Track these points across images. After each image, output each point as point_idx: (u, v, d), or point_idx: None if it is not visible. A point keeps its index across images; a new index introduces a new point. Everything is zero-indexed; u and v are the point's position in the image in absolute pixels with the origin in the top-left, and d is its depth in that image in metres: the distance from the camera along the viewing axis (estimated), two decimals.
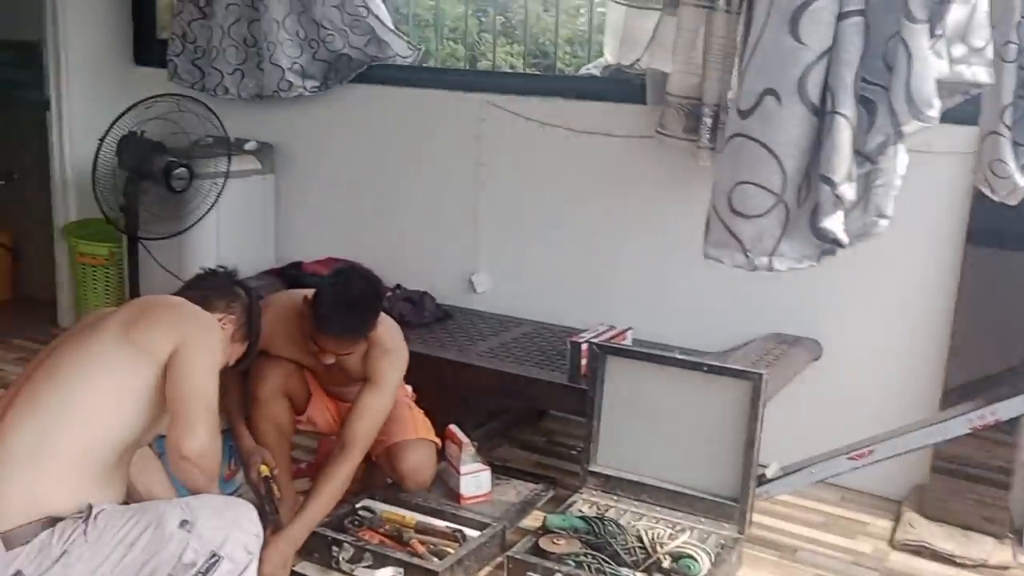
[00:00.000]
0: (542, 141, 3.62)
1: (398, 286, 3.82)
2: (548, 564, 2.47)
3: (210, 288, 2.32)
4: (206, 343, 2.08)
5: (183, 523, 1.89)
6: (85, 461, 1.90)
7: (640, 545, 2.57)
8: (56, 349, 2.03)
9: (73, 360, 1.97)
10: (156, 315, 2.06)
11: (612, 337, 3.12)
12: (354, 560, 2.51)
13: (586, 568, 2.47)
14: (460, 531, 2.65)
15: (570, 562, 2.50)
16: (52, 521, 1.84)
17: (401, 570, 2.47)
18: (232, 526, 1.94)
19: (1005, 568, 2.72)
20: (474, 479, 2.85)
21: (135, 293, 3.66)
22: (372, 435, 2.60)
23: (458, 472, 2.84)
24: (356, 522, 2.68)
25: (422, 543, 2.59)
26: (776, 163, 2.35)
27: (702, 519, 2.72)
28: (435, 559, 2.51)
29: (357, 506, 2.76)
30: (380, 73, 3.95)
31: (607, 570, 2.47)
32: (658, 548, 2.53)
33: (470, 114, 3.75)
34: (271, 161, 4.16)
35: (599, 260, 3.60)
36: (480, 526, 2.71)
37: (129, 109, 3.45)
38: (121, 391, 1.96)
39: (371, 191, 4.05)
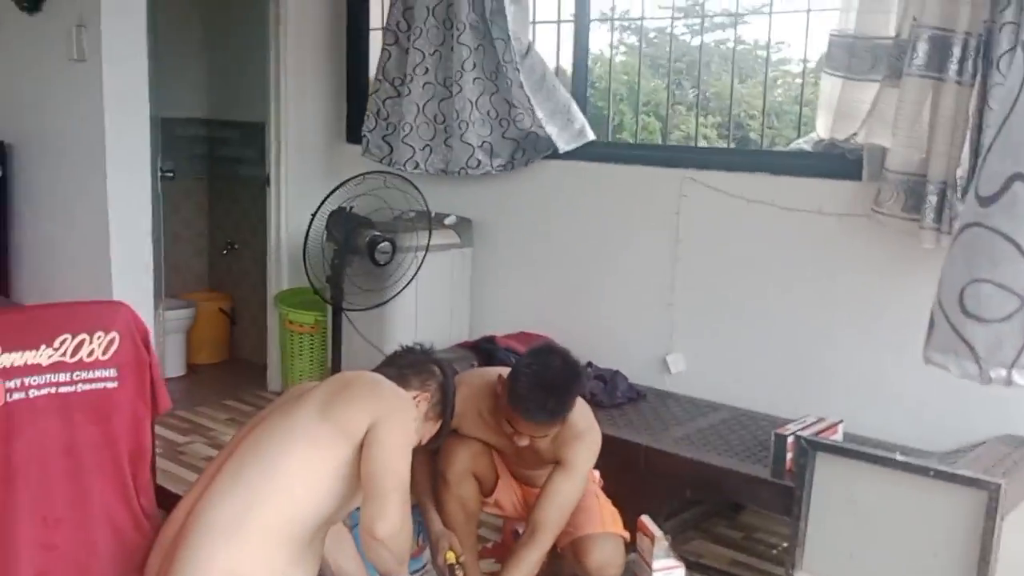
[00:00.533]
0: (746, 218, 3.47)
1: (589, 363, 3.73)
2: None
3: (407, 365, 2.32)
4: (401, 422, 2.07)
5: None
6: (284, 537, 1.91)
7: None
8: (261, 423, 2.07)
9: (275, 435, 1.99)
10: (354, 393, 2.07)
11: (821, 431, 2.90)
12: None
13: None
14: None
15: None
16: None
17: None
18: None
19: None
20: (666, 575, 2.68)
21: (337, 361, 3.76)
22: (562, 522, 2.50)
23: (650, 567, 2.67)
24: None
25: None
26: (1023, 260, 2.09)
27: None
28: None
29: None
30: (578, 149, 3.94)
31: None
32: None
33: (669, 190, 3.66)
34: (469, 235, 4.21)
35: (805, 345, 3.38)
36: None
37: (340, 186, 3.58)
38: (320, 468, 1.97)
39: (565, 266, 4.01)
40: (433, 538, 2.57)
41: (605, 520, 2.67)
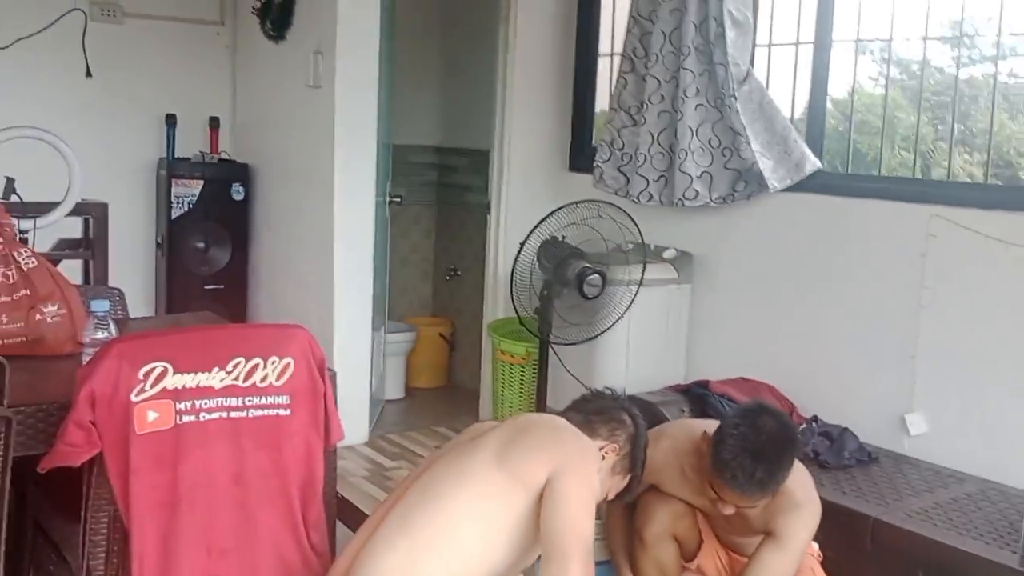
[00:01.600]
0: (1005, 264, 3.01)
1: (815, 418, 3.38)
2: None
3: (595, 412, 2.15)
4: (584, 474, 1.90)
5: None
6: None
7: None
8: (433, 464, 1.97)
9: (447, 481, 1.88)
10: (533, 439, 1.92)
11: None
12: None
13: None
14: None
15: None
16: None
17: None
18: None
19: None
20: None
21: (543, 395, 3.64)
22: None
23: None
24: None
25: None
26: None
27: None
28: None
29: None
30: (811, 181, 3.60)
31: None
32: None
33: (915, 228, 3.25)
34: (688, 270, 3.97)
35: None
36: None
37: (551, 214, 3.48)
38: (492, 518, 1.84)
39: (792, 308, 3.67)
40: None
41: None
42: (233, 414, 1.85)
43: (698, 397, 3.43)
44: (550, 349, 3.62)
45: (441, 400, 5.12)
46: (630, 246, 3.73)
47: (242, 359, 1.84)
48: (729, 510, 2.20)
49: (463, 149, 5.30)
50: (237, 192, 4.53)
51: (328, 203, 4.08)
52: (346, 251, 4.11)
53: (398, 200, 4.83)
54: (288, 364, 1.88)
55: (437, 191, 5.52)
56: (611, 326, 3.59)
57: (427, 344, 5.27)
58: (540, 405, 3.63)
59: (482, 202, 5.01)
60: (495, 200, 4.63)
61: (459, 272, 5.37)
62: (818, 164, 3.62)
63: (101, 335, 2.04)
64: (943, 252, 3.19)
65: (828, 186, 3.59)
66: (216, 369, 1.82)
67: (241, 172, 4.55)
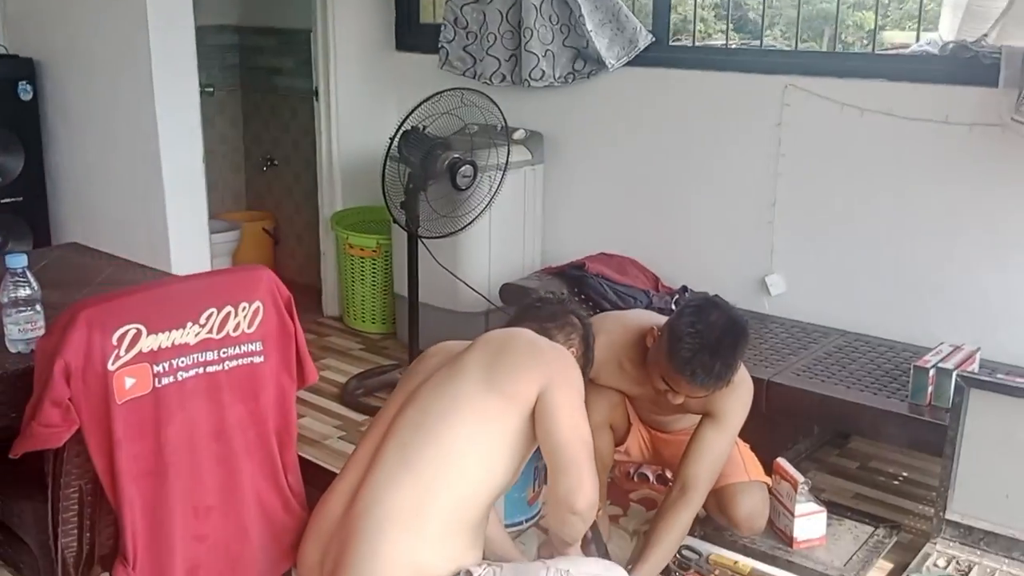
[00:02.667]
0: (858, 129, 3.22)
1: (684, 288, 3.54)
2: None
3: (548, 318, 2.13)
4: (570, 382, 1.90)
5: None
6: (461, 521, 1.75)
7: None
8: (415, 398, 1.87)
9: (440, 412, 1.81)
10: (516, 358, 1.87)
11: (962, 362, 2.72)
12: None
13: None
14: None
15: None
16: None
17: None
18: None
19: None
20: (809, 521, 2.54)
21: (414, 289, 3.55)
22: (715, 477, 2.35)
23: (791, 514, 2.53)
24: (681, 564, 2.44)
25: None
26: None
27: None
28: None
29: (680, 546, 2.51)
30: (658, 55, 3.64)
31: None
32: None
33: (770, 99, 3.39)
34: (540, 151, 3.96)
35: (922, 264, 3.18)
36: None
37: (419, 105, 3.30)
38: (493, 443, 1.80)
39: (650, 182, 3.76)
40: None
41: (749, 468, 2.52)
42: (210, 368, 1.66)
43: (576, 279, 3.47)
44: (419, 243, 3.51)
45: None
46: (475, 127, 3.62)
47: (214, 310, 1.64)
48: (679, 400, 2.27)
49: (269, 28, 4.89)
50: (24, 91, 3.95)
51: (147, 98, 3.64)
52: (174, 151, 3.71)
53: (210, 90, 4.41)
54: (258, 308, 1.70)
55: (241, 76, 5.08)
56: (481, 213, 3.52)
57: (251, 240, 4.96)
58: (412, 298, 3.54)
59: (296, 86, 4.70)
60: (323, 85, 4.33)
61: (276, 162, 5.05)
62: (651, 38, 3.65)
63: (23, 293, 1.74)
64: (797, 121, 3.35)
65: (679, 59, 3.64)
66: (190, 324, 1.61)
67: (26, 68, 3.95)
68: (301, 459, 1.99)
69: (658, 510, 2.38)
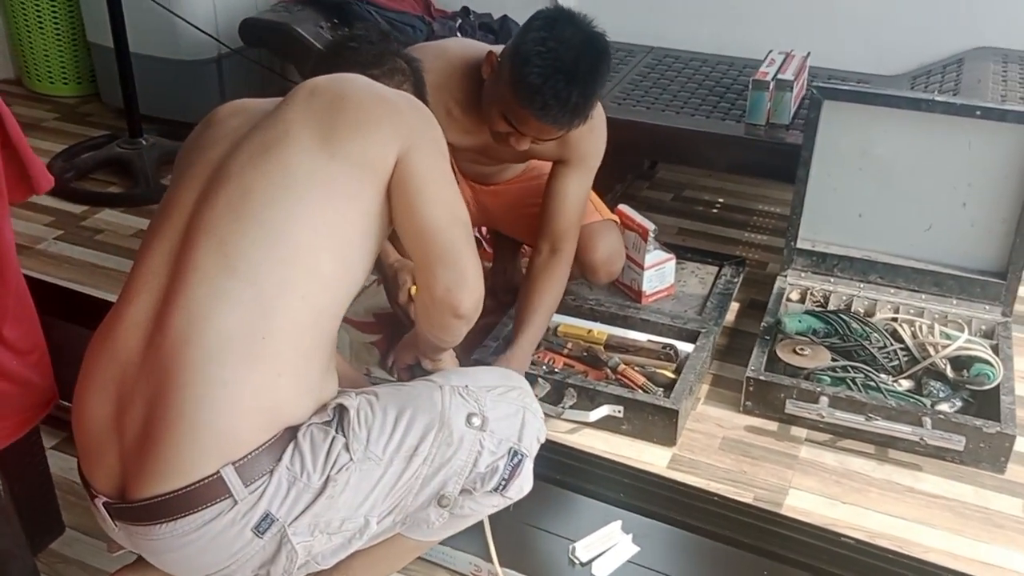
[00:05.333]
0: None
1: (465, 10, 2.95)
2: (805, 385, 1.92)
3: (373, 63, 1.51)
4: (436, 142, 1.35)
5: (470, 418, 1.26)
6: (316, 339, 1.22)
7: (903, 347, 2.04)
8: (221, 175, 1.22)
9: (267, 190, 1.20)
10: (360, 112, 1.28)
11: (799, 71, 2.42)
12: (552, 399, 1.92)
13: (855, 385, 1.94)
14: (672, 347, 2.06)
15: (826, 377, 1.96)
16: (292, 433, 1.19)
17: (620, 408, 1.90)
18: (523, 410, 1.33)
19: None
20: (658, 272, 2.23)
21: (121, 34, 2.70)
22: (579, 228, 1.93)
23: (641, 266, 2.20)
24: None
25: (629, 366, 2.00)
26: None
27: (953, 300, 2.18)
28: (657, 389, 1.94)
29: None
30: None
31: (882, 387, 1.94)
32: (932, 350, 2.00)
33: None
34: None
35: None
36: (686, 334, 2.12)
37: None
38: (346, 229, 1.24)
39: None
40: (389, 272, 1.88)
41: (599, 207, 2.12)
42: None
43: (336, 7, 2.77)
44: None
45: None
46: None
47: None
48: (525, 144, 1.78)
49: None
50: None
51: None
52: None
53: None
54: None
55: None
56: None
57: None
58: (120, 46, 2.71)
59: None
60: None
61: None
62: None
63: None
64: None
65: None
66: None
67: None
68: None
69: (527, 276, 1.94)
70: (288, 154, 1.23)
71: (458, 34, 2.78)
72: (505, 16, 2.89)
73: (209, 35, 2.93)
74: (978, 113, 2.05)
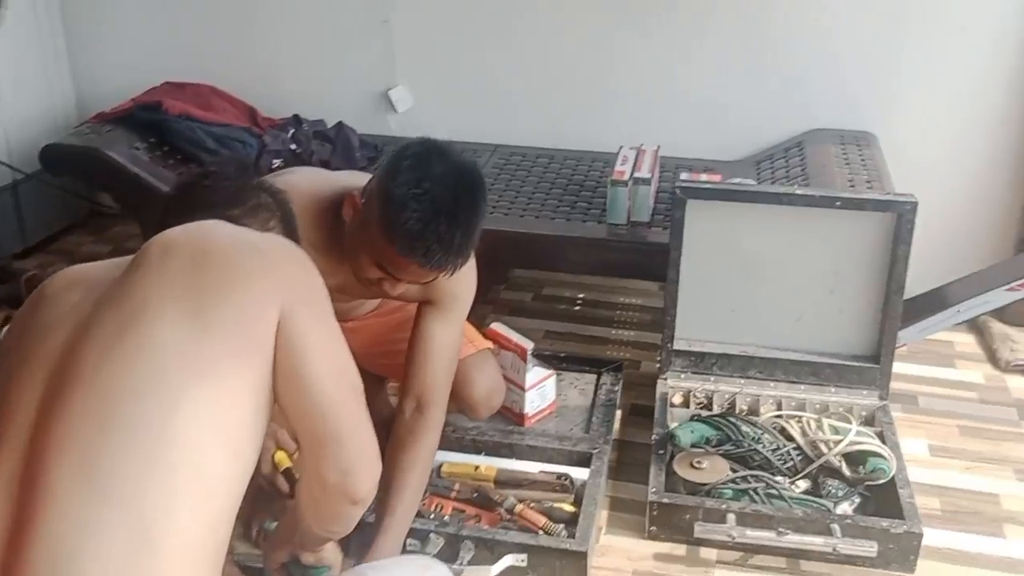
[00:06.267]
0: None
1: (296, 119, 2.76)
2: (711, 504, 1.83)
3: (229, 202, 1.31)
4: (315, 293, 1.17)
5: None
6: (209, 553, 1.01)
7: (795, 446, 1.99)
8: (71, 370, 0.99)
9: (134, 387, 0.98)
10: (228, 270, 1.08)
11: (653, 166, 2.39)
12: (448, 555, 1.74)
13: (758, 495, 1.87)
14: (567, 476, 1.93)
15: (727, 491, 1.88)
16: None
17: (523, 556, 1.74)
18: None
19: None
20: (539, 392, 2.10)
21: None
22: (450, 379, 1.75)
23: (522, 387, 2.06)
24: None
25: (525, 504, 1.85)
26: None
27: (832, 388, 2.17)
28: (558, 526, 1.80)
29: None
30: None
31: (783, 493, 1.88)
32: (824, 447, 1.96)
33: None
34: None
35: (572, 57, 2.75)
36: (577, 457, 2.00)
37: None
38: (235, 414, 1.04)
39: None
40: None
41: (471, 335, 1.97)
42: None
43: (153, 125, 2.53)
44: None
45: None
46: None
47: None
48: (400, 290, 1.61)
49: None
50: None
51: None
52: None
53: None
54: None
55: None
56: None
57: None
58: None
59: None
60: None
61: None
62: None
63: None
64: None
65: None
66: None
67: None
68: None
69: (391, 440, 1.74)
70: (151, 334, 1.01)
71: (293, 146, 2.60)
72: (341, 123, 2.74)
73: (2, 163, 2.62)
74: (838, 204, 2.07)
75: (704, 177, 2.37)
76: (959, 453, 2.14)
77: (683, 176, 2.42)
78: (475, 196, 1.53)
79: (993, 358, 2.49)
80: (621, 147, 2.45)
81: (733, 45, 2.62)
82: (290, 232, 1.37)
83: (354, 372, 1.16)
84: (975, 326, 2.57)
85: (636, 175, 2.31)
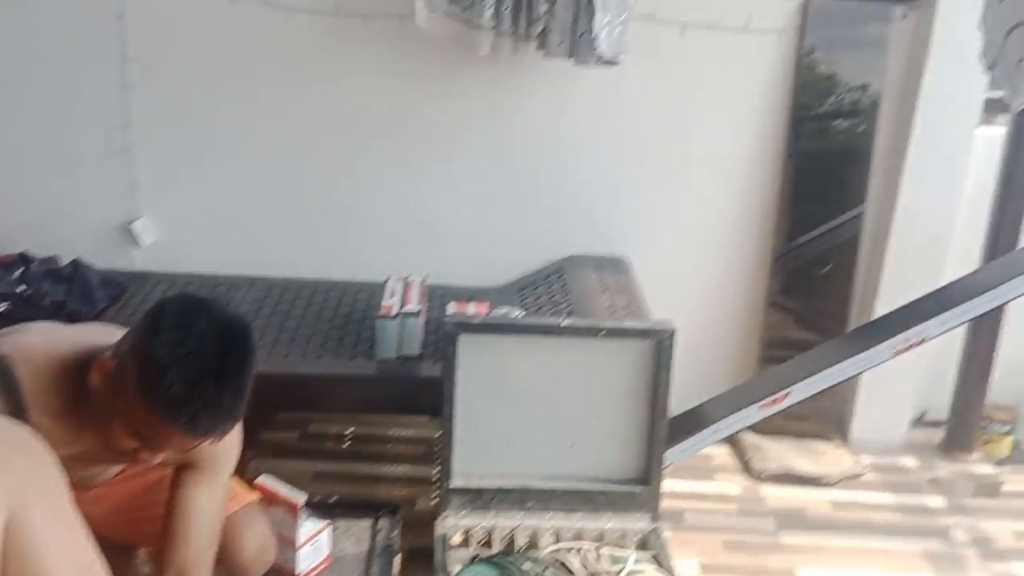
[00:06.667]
0: (230, 20, 2.53)
1: (24, 257, 2.50)
2: None
3: None
4: (50, 483, 1.02)
5: None
6: None
7: None
8: None
9: None
10: None
11: (421, 298, 2.36)
12: None
13: None
14: None
15: None
16: None
17: None
18: None
19: (858, 476, 2.64)
20: (313, 547, 1.95)
21: None
22: (213, 550, 1.58)
23: (293, 545, 1.91)
24: None
25: None
26: None
27: (607, 515, 2.18)
28: None
29: None
30: None
31: None
32: None
33: None
34: None
35: (329, 184, 2.70)
36: None
37: None
38: None
39: None
40: None
41: (235, 488, 1.80)
42: None
43: None
44: None
45: None
46: None
47: None
48: (160, 458, 1.44)
49: None
50: None
51: None
52: None
53: None
54: None
55: None
56: None
57: None
58: None
59: None
60: None
61: None
62: None
63: None
64: (147, 13, 2.52)
65: None
66: None
67: None
68: None
69: None
70: None
71: (21, 287, 2.34)
72: (77, 260, 2.50)
73: None
74: (602, 333, 2.12)
75: (472, 307, 2.36)
76: (727, 569, 2.22)
77: (451, 307, 2.40)
78: (244, 351, 1.41)
79: (747, 468, 2.63)
80: (388, 278, 2.40)
81: (487, 176, 2.68)
82: (13, 404, 1.19)
83: (99, 565, 1.02)
84: (729, 437, 2.71)
85: (404, 309, 2.27)
